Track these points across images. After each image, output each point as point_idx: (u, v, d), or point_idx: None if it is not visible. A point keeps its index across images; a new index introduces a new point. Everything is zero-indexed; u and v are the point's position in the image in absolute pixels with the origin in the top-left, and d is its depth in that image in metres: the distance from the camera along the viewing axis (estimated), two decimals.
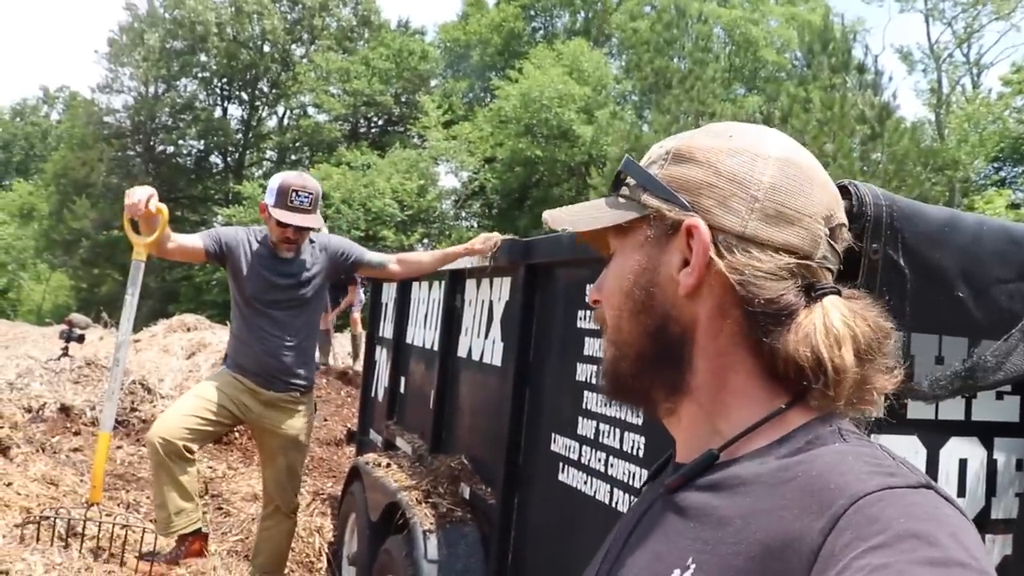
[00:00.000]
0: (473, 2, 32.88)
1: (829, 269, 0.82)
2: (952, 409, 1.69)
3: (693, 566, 0.73)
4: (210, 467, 5.21)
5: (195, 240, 3.59)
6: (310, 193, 3.57)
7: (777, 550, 0.67)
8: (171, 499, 3.35)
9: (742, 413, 0.80)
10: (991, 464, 1.78)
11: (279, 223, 3.54)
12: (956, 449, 1.71)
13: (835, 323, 0.77)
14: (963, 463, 1.72)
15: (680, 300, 0.82)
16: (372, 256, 3.82)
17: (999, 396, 1.79)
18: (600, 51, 29.35)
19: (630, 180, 0.89)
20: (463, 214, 30.62)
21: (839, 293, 0.81)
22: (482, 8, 32.59)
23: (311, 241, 3.72)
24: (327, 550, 4.30)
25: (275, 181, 3.61)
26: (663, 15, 22.80)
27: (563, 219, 0.93)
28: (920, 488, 0.66)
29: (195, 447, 3.46)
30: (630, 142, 21.62)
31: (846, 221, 0.84)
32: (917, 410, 1.61)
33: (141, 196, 3.15)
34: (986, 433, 1.77)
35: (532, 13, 32.85)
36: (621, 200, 0.89)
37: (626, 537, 0.87)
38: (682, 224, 0.81)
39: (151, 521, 3.64)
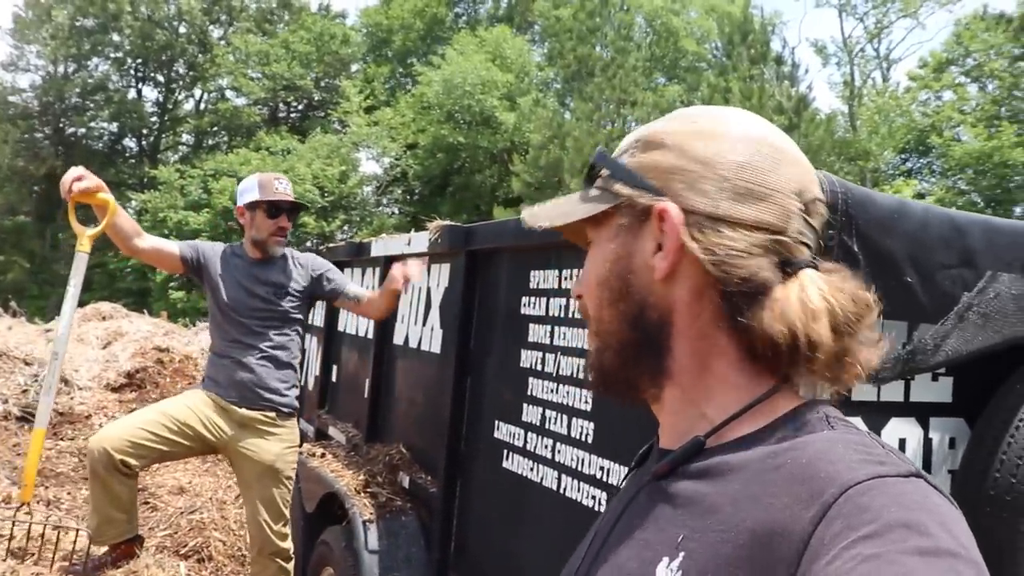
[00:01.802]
0: None
1: (806, 244, 0.81)
2: (892, 391, 1.74)
3: (682, 553, 0.73)
4: None
5: (172, 246, 3.44)
6: (287, 182, 3.54)
7: (766, 538, 0.67)
8: (101, 508, 3.19)
9: (726, 398, 0.80)
10: (927, 443, 1.84)
11: (271, 211, 3.42)
12: (896, 429, 1.76)
13: (811, 297, 0.77)
14: (902, 442, 1.78)
15: (656, 285, 0.81)
16: (352, 288, 3.59)
17: (934, 378, 1.85)
18: (523, 38, 29.35)
19: (603, 172, 0.88)
20: (384, 200, 30.37)
21: (816, 267, 0.81)
22: None
23: (291, 256, 3.57)
24: None
25: (250, 180, 3.52)
26: (586, 3, 22.93)
27: (540, 216, 0.92)
28: (910, 477, 0.66)
29: (134, 463, 3.18)
30: (552, 129, 21.75)
31: (821, 195, 0.83)
32: (861, 392, 1.66)
33: (66, 178, 3.01)
34: (923, 413, 1.84)
35: None
36: (595, 192, 0.88)
37: (612, 525, 0.86)
38: (653, 209, 0.81)
39: (78, 519, 3.50)
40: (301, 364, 3.86)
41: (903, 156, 28.63)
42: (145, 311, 8.93)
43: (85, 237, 3.15)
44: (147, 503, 4.42)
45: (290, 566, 3.43)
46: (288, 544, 3.42)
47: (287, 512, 3.42)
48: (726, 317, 0.79)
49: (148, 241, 3.33)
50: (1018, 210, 24.87)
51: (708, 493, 0.75)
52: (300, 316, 3.56)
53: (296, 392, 3.56)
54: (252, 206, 3.46)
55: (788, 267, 0.79)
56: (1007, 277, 1.70)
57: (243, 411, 3.36)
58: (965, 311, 1.68)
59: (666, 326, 0.82)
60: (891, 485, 0.65)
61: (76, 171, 3.06)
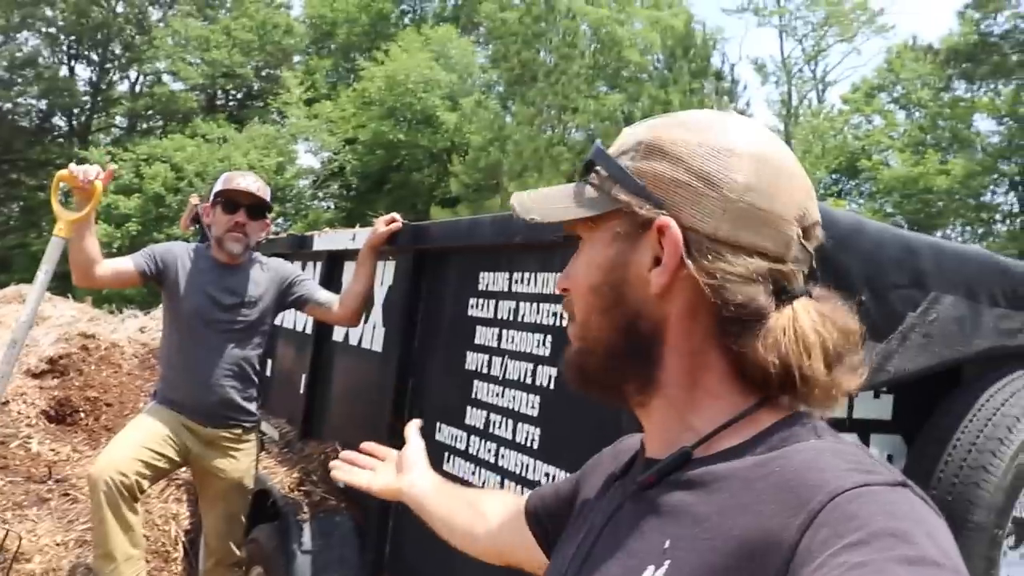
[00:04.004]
0: None
1: (801, 270, 0.81)
2: (837, 408, 1.77)
3: (668, 562, 0.73)
4: (52, 449, 4.87)
5: (128, 264, 3.15)
6: (256, 180, 3.31)
7: (754, 546, 0.67)
8: (119, 545, 2.88)
9: (714, 410, 0.80)
10: None
11: (227, 206, 3.21)
12: None
13: (805, 330, 0.77)
14: None
15: (651, 298, 0.81)
16: (322, 294, 3.30)
17: (876, 395, 1.89)
18: (468, 39, 29.29)
19: (600, 170, 0.86)
20: (321, 195, 29.99)
21: (810, 295, 0.81)
22: None
23: (259, 262, 3.35)
24: (183, 538, 4.11)
25: (218, 181, 3.33)
26: (532, 8, 22.97)
27: (531, 209, 0.89)
28: (897, 487, 0.67)
29: (147, 485, 3.00)
30: (493, 132, 21.76)
31: (819, 218, 0.83)
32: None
33: (89, 168, 2.80)
34: (864, 430, 1.88)
35: None
36: (591, 192, 0.86)
37: (597, 534, 0.86)
38: (653, 222, 0.80)
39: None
40: None
41: (834, 176, 29.39)
42: (69, 295, 8.61)
43: (66, 221, 2.85)
44: (67, 495, 4.27)
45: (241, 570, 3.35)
46: (243, 551, 3.31)
47: (245, 521, 3.30)
48: (718, 337, 0.79)
49: (106, 267, 3.04)
50: (938, 234, 25.74)
51: (695, 503, 0.75)
52: (267, 326, 3.34)
53: (258, 403, 3.38)
54: (213, 202, 3.28)
55: (783, 295, 0.79)
56: (949, 299, 1.75)
57: (209, 430, 3.19)
58: (908, 331, 1.72)
59: (658, 339, 0.81)
60: (878, 494, 0.65)
61: (99, 168, 2.86)
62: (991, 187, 25.09)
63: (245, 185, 3.24)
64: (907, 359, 1.69)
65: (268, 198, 3.30)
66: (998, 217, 25.80)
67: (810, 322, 0.78)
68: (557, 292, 0.94)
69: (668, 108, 18.36)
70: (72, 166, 2.81)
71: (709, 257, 0.78)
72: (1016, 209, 25.30)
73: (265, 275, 3.30)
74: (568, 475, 1.16)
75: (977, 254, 1.84)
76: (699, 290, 0.78)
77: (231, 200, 3.23)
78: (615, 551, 0.80)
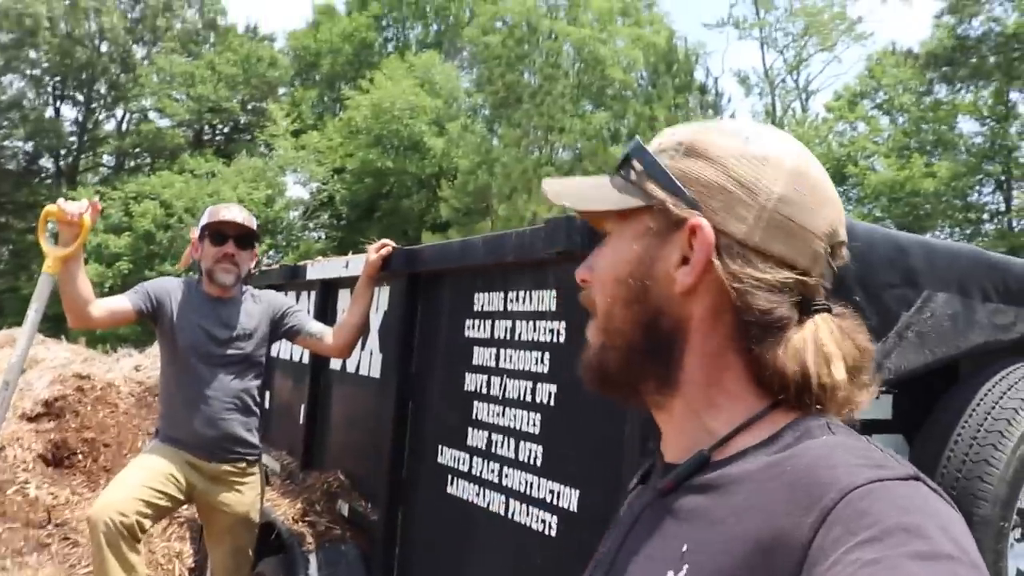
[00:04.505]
0: (324, 10, 32.29)
1: (824, 286, 0.83)
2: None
3: (686, 566, 0.73)
4: (51, 493, 4.84)
5: (123, 302, 3.11)
6: (241, 210, 3.30)
7: (768, 546, 0.67)
8: None
9: (732, 413, 0.81)
10: None
11: (215, 237, 3.20)
12: None
13: (826, 342, 0.79)
14: None
15: (675, 296, 0.81)
16: (314, 326, 3.29)
17: (875, 395, 1.90)
18: (452, 64, 29.47)
19: (637, 165, 0.87)
20: (311, 225, 29.99)
21: (831, 311, 0.82)
22: (333, 16, 32.05)
23: (251, 294, 3.34)
24: None
25: (205, 211, 3.34)
26: (515, 31, 23.16)
27: (563, 195, 0.90)
28: (909, 480, 0.67)
29: (148, 524, 2.94)
30: (480, 155, 21.85)
31: (846, 238, 0.85)
32: None
33: (80, 204, 2.79)
34: (864, 430, 1.88)
35: (384, 23, 32.61)
36: (626, 184, 0.87)
37: (620, 543, 0.86)
38: (686, 222, 0.80)
39: None
40: None
41: None
42: (63, 336, 8.58)
43: (54, 258, 2.80)
44: (67, 539, 4.25)
45: None
46: None
47: (252, 556, 3.26)
48: (738, 340, 0.80)
49: (100, 307, 2.99)
50: (927, 236, 25.81)
51: (711, 506, 0.76)
52: (263, 358, 3.32)
53: (259, 435, 3.34)
54: (201, 235, 3.27)
55: (806, 308, 0.80)
56: (941, 296, 1.76)
57: (213, 465, 3.15)
58: (904, 330, 1.73)
59: (679, 338, 0.82)
60: (890, 489, 0.65)
61: (88, 203, 2.84)
62: (977, 187, 25.25)
63: (231, 216, 3.24)
64: (904, 358, 1.71)
65: (255, 227, 3.31)
66: (985, 216, 25.93)
67: (830, 335, 0.79)
68: (578, 282, 0.94)
69: (654, 124, 18.48)
70: (60, 201, 2.80)
71: (739, 262, 0.78)
72: (1003, 208, 25.45)
73: (258, 307, 3.29)
74: (571, 491, 1.16)
75: (966, 251, 1.85)
76: (724, 293, 0.79)
77: (218, 232, 3.22)
78: (636, 558, 0.81)
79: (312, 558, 2.91)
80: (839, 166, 27.84)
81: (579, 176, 0.96)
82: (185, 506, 3.33)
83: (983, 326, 1.79)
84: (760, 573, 0.67)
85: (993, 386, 1.77)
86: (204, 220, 3.28)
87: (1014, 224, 24.69)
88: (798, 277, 0.79)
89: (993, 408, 1.72)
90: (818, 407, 0.79)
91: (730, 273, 0.78)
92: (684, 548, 0.74)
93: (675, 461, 0.84)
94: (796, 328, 0.79)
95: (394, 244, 3.05)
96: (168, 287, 3.25)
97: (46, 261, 2.83)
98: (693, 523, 0.76)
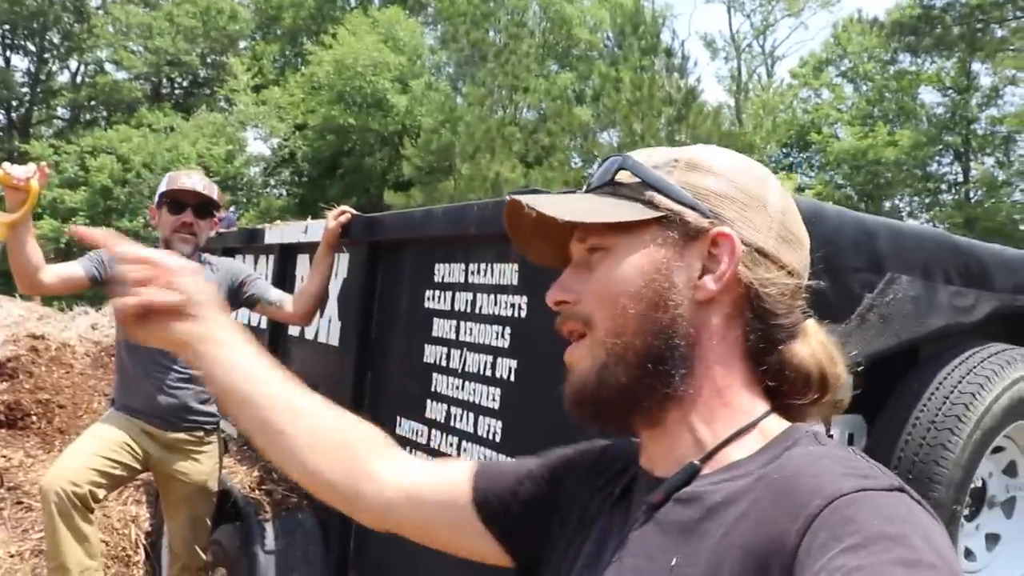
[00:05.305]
0: None
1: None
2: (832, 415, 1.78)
3: None
4: (4, 456, 4.74)
5: (76, 268, 3.00)
6: (202, 178, 3.20)
7: (758, 555, 0.69)
8: (74, 557, 2.76)
9: (726, 422, 0.82)
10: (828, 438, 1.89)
11: (173, 206, 3.09)
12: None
13: (825, 341, 0.86)
14: None
15: (692, 306, 0.82)
16: (274, 293, 3.18)
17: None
18: (416, 20, 29.02)
19: (627, 178, 0.86)
20: (272, 182, 29.60)
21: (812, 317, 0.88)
22: None
23: (209, 262, 3.23)
24: (144, 541, 4.03)
25: (162, 182, 3.22)
26: None
27: (568, 209, 0.85)
28: (893, 491, 0.69)
29: (102, 494, 2.88)
30: (444, 113, 21.65)
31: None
32: None
33: (28, 168, 2.65)
34: None
35: None
36: (627, 198, 0.85)
37: (610, 556, 0.85)
38: (707, 232, 0.82)
39: None
40: None
41: (785, 150, 29.76)
42: (16, 295, 8.37)
43: (1, 224, 2.66)
44: (20, 503, 4.16)
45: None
46: (208, 554, 3.23)
47: (209, 524, 3.22)
48: (745, 347, 0.83)
49: (52, 273, 2.88)
50: (887, 204, 26.22)
51: (700, 518, 0.76)
52: None
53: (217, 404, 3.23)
54: (159, 203, 3.17)
55: (802, 313, 0.87)
56: (905, 279, 1.76)
57: (170, 434, 3.09)
58: (866, 312, 1.73)
59: (692, 349, 0.82)
60: (875, 498, 0.67)
61: (36, 167, 2.70)
62: (936, 158, 25.61)
63: (191, 184, 3.14)
64: (865, 340, 1.70)
65: (215, 196, 3.21)
66: (944, 187, 26.34)
67: (826, 336, 0.87)
68: (550, 305, 0.91)
69: (619, 86, 18.39)
70: (5, 165, 2.69)
71: (761, 269, 0.82)
72: (961, 179, 25.83)
73: (216, 275, 3.19)
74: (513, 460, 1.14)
75: (932, 234, 1.85)
76: (739, 301, 0.82)
77: (177, 200, 3.13)
78: (623, 572, 0.81)
79: (269, 527, 2.88)
80: (803, 132, 28.05)
81: (547, 187, 0.94)
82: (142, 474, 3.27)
83: (944, 309, 1.79)
84: None
85: (952, 370, 1.78)
86: (163, 187, 3.18)
87: (971, 195, 25.10)
88: (797, 283, 0.85)
89: (952, 392, 1.73)
90: (823, 402, 0.85)
91: (758, 280, 0.81)
92: (673, 562, 0.75)
93: (665, 475, 0.84)
94: (800, 330, 0.85)
95: (353, 211, 2.98)
96: None
97: None
98: (683, 536, 0.77)
